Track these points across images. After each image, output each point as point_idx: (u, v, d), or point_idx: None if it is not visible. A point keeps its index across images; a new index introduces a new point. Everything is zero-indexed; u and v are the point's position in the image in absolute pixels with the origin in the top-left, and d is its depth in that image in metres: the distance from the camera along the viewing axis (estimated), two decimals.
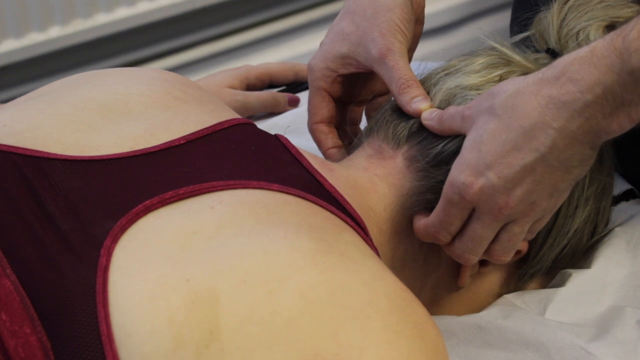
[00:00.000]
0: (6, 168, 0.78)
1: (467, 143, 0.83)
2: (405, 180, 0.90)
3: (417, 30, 0.99)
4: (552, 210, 0.85)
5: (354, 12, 0.96)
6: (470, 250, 0.86)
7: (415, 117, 0.90)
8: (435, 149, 0.88)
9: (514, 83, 0.82)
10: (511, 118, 0.80)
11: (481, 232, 0.85)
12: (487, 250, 0.87)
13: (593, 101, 0.77)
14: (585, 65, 0.77)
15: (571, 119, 0.78)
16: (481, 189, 0.82)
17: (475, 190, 0.82)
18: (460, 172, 0.83)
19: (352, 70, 0.97)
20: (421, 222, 0.88)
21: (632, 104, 0.76)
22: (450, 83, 0.91)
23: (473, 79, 0.90)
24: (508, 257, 0.88)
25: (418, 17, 0.98)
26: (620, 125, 0.78)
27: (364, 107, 1.04)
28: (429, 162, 0.89)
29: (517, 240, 0.86)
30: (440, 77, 0.92)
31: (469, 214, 0.84)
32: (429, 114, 0.89)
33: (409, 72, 0.92)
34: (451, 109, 0.87)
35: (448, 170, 0.85)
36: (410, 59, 0.98)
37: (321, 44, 0.99)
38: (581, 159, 0.80)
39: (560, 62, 0.79)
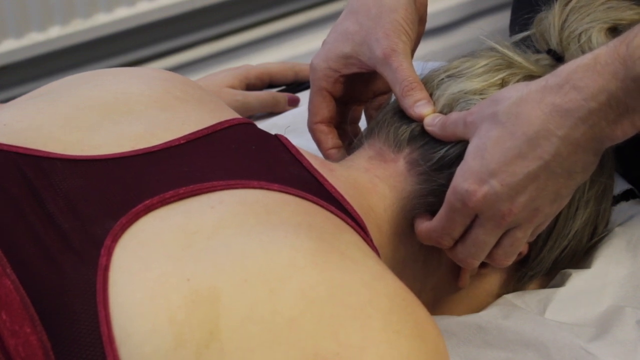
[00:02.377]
0: (7, 167, 0.78)
1: (470, 150, 0.83)
2: (406, 183, 0.90)
3: (419, 29, 0.99)
4: (554, 214, 0.85)
5: (358, 11, 0.95)
6: (472, 255, 0.86)
7: (418, 121, 0.90)
8: (438, 153, 0.88)
9: (517, 90, 0.81)
10: (515, 126, 0.80)
11: (484, 238, 0.85)
12: (490, 255, 0.87)
13: (597, 109, 0.76)
14: (588, 72, 0.77)
15: (575, 126, 0.78)
16: (484, 197, 0.81)
17: (478, 197, 0.82)
18: (463, 180, 0.82)
19: (354, 70, 0.97)
20: (423, 226, 0.88)
21: (636, 111, 0.76)
22: (454, 88, 0.90)
23: (476, 84, 0.90)
24: (510, 261, 0.88)
25: (421, 17, 0.98)
26: (624, 132, 0.78)
27: (364, 106, 1.04)
28: (430, 166, 0.88)
29: (519, 245, 0.86)
30: (443, 80, 0.92)
31: (472, 220, 0.84)
32: (432, 120, 0.89)
33: (413, 74, 0.91)
34: (453, 115, 0.87)
35: (450, 174, 0.85)
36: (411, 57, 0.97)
37: (324, 42, 0.99)
38: (584, 165, 0.80)
39: (563, 69, 0.79)
